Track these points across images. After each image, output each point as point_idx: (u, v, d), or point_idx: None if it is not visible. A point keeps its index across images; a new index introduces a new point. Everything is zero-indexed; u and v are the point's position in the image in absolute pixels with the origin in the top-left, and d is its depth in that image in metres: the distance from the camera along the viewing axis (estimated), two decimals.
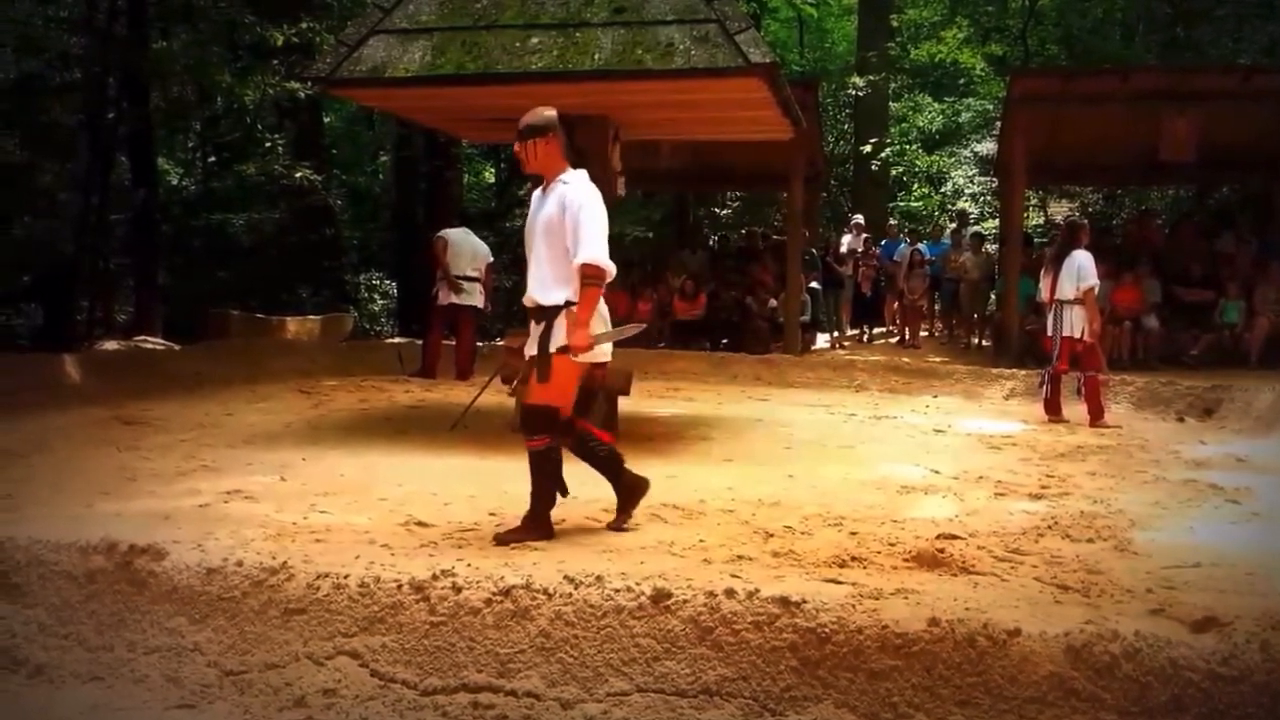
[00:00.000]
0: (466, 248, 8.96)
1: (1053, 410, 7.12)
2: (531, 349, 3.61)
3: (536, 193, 3.70)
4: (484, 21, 5.38)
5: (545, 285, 3.55)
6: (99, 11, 11.07)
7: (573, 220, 3.44)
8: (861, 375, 9.44)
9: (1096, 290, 7.06)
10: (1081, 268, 6.92)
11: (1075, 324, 6.96)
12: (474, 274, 8.96)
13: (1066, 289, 6.96)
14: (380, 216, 16.98)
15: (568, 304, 3.52)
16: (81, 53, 11.16)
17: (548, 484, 3.60)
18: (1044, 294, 7.21)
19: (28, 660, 3.02)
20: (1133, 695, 2.50)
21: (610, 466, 3.76)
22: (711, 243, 13.50)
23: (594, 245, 3.42)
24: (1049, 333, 7.19)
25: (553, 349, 3.52)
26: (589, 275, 3.44)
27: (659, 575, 2.91)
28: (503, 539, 3.48)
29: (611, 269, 3.49)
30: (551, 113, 3.59)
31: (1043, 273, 7.29)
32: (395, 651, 2.86)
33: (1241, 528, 3.98)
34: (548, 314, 3.54)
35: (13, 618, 3.09)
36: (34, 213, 11.47)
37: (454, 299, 8.79)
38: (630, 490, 3.77)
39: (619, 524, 3.72)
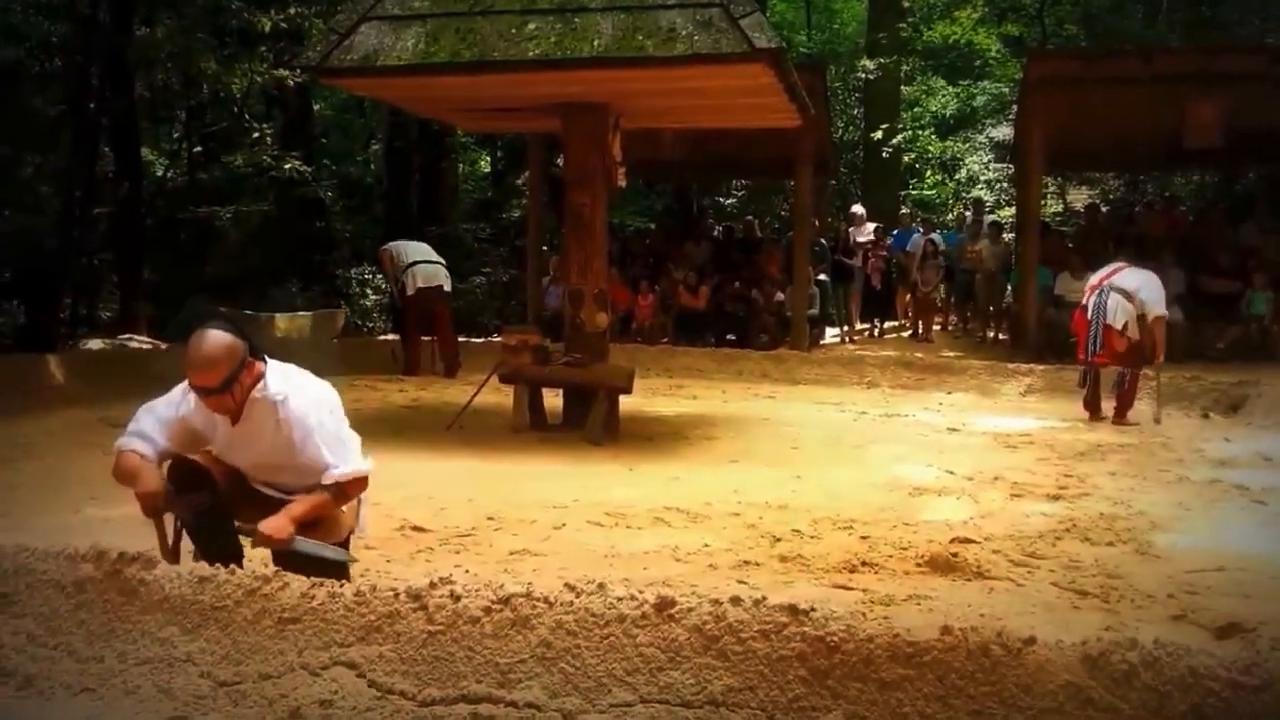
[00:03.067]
0: (412, 246, 9.11)
1: (1093, 410, 6.83)
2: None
3: (200, 412, 2.84)
4: (479, 7, 5.26)
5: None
6: None
7: (305, 443, 2.78)
8: (872, 371, 9.30)
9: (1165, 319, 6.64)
10: (1160, 291, 6.56)
11: (1119, 315, 6.49)
12: (432, 260, 8.94)
13: (1129, 281, 6.55)
14: (373, 208, 16.44)
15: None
16: (63, 40, 10.88)
17: None
18: (1095, 278, 6.75)
19: (17, 671, 2.95)
20: (1151, 705, 2.43)
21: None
22: (716, 233, 13.32)
23: (352, 453, 2.80)
24: (1088, 316, 6.65)
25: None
26: (352, 493, 2.85)
27: (663, 582, 2.86)
28: None
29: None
30: (229, 337, 2.77)
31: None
32: (393, 661, 2.79)
33: (1268, 530, 3.90)
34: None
35: (1, 628, 3.04)
36: (15, 207, 11.15)
37: (419, 284, 8.75)
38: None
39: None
